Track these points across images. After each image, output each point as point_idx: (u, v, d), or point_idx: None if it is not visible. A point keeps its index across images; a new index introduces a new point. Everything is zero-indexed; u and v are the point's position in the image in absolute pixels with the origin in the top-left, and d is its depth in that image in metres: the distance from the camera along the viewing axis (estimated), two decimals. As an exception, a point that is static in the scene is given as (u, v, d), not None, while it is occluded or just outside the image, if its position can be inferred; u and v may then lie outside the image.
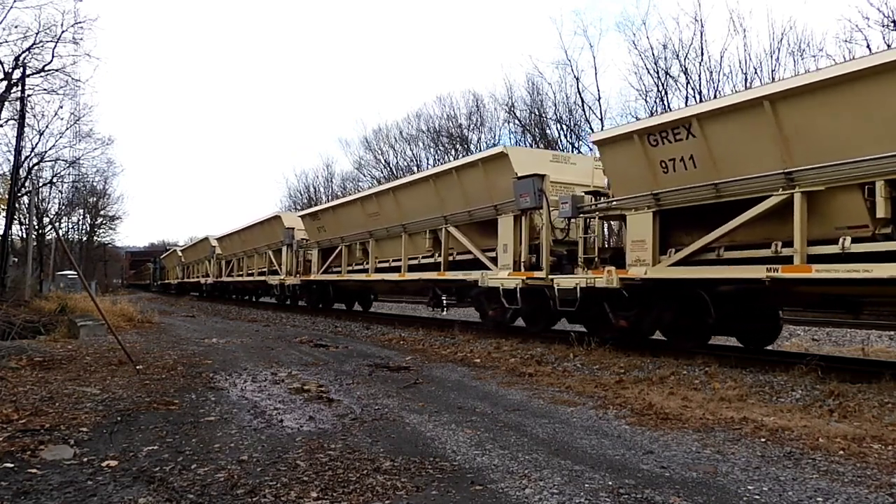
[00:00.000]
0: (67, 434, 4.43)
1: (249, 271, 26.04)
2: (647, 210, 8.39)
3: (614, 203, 9.06)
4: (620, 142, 8.57)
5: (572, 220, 10.03)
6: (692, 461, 3.99)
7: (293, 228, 20.57)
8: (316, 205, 44.33)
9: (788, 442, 4.45)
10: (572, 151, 29.62)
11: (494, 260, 11.21)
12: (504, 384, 6.88)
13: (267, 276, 22.80)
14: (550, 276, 9.82)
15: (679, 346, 8.71)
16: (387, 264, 15.30)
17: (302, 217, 20.44)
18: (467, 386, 6.83)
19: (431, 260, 13.27)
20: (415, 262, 13.94)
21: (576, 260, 9.82)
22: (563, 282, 9.47)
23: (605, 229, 11.45)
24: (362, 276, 16.25)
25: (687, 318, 8.56)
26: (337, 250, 17.68)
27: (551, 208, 10.07)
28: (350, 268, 17.10)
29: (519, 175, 10.31)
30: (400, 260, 14.36)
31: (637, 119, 30.50)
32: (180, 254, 41.99)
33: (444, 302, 13.42)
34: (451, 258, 12.77)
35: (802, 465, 3.89)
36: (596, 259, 9.43)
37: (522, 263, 10.50)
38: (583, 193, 9.83)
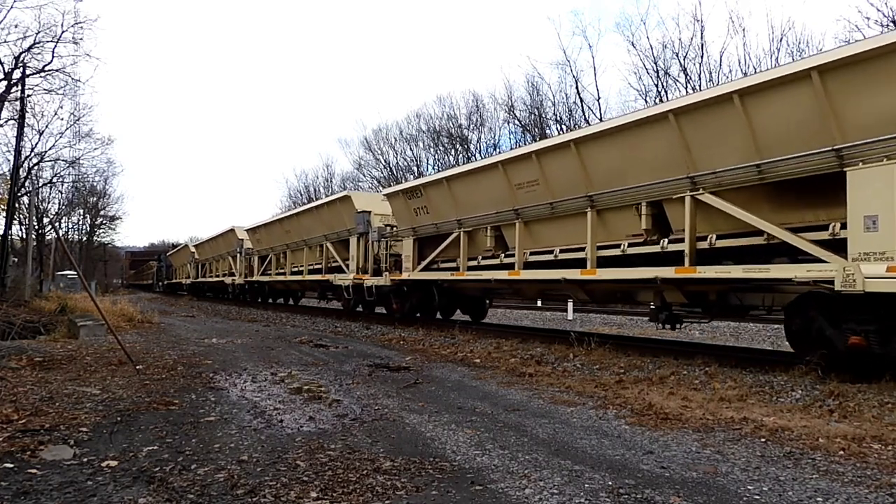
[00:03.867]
0: (67, 434, 4.42)
1: (296, 268, 20.99)
2: None
3: None
4: None
5: None
6: (692, 461, 3.99)
7: (368, 212, 15.91)
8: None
9: (788, 442, 4.45)
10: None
11: (828, 245, 6.58)
12: (504, 384, 6.89)
13: (327, 275, 17.92)
14: None
15: None
16: (548, 256, 10.48)
17: (389, 196, 15.14)
18: (467, 386, 6.83)
19: (656, 248, 8.48)
20: (610, 252, 9.26)
21: None
22: None
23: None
24: (502, 275, 11.23)
25: None
26: (449, 239, 12.79)
27: None
28: (474, 262, 12.36)
29: None
30: (578, 249, 9.69)
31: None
32: (193, 250, 37.16)
33: (679, 312, 8.78)
34: (705, 245, 7.91)
35: (802, 465, 3.89)
36: None
37: None
38: None
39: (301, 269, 20.45)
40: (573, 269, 9.69)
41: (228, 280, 28.40)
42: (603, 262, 9.30)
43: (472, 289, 13.61)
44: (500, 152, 39.11)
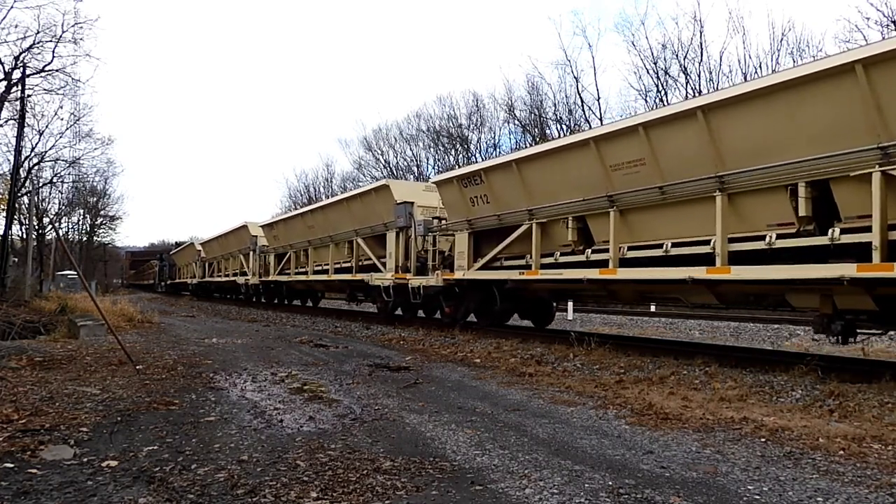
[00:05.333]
0: (67, 434, 4.42)
1: (319, 267, 19.25)
2: None
3: None
4: None
5: None
6: (692, 461, 3.99)
7: (411, 203, 14.06)
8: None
9: (788, 442, 4.45)
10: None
11: None
12: (504, 384, 6.89)
13: (359, 275, 16.21)
14: None
15: None
16: (654, 251, 8.56)
17: (440, 183, 12.98)
18: (467, 386, 6.83)
19: (823, 240, 6.64)
20: (746, 245, 7.39)
21: None
22: None
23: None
24: (592, 274, 9.23)
25: None
26: (516, 232, 10.83)
27: None
28: (548, 259, 10.40)
29: None
30: (696, 243, 7.95)
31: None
32: (199, 248, 35.27)
33: (854, 321, 6.99)
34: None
35: (802, 465, 3.89)
36: None
37: None
38: None
39: (326, 267, 18.63)
40: (697, 267, 7.72)
41: (241, 280, 26.40)
42: (734, 258, 7.47)
43: (542, 290, 11.69)
44: (500, 152, 39.07)
